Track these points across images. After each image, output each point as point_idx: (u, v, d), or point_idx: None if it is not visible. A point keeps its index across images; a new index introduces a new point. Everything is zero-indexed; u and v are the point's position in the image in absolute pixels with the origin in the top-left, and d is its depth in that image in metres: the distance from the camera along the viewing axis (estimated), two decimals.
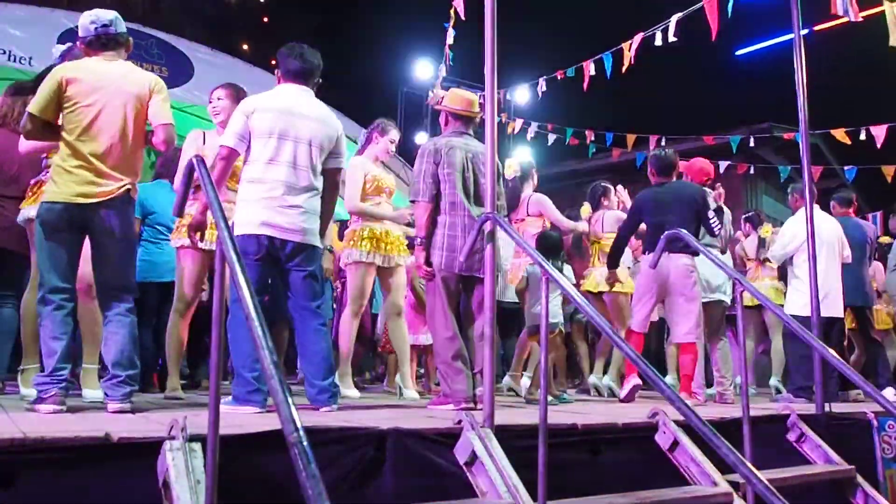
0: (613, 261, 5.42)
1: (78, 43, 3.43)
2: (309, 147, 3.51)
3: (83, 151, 3.16)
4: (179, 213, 2.48)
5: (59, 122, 3.21)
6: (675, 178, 5.21)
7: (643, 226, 5.20)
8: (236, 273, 1.61)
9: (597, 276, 5.96)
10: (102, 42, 3.33)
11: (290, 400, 1.32)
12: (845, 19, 5.08)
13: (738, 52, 9.51)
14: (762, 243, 6.93)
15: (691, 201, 4.98)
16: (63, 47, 3.96)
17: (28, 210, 3.85)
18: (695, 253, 4.74)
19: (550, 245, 4.93)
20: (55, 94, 3.15)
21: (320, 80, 3.72)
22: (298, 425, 1.27)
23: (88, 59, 3.32)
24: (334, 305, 6.44)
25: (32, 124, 3.16)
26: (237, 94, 4.31)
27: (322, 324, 3.52)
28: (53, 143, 3.31)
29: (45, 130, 3.22)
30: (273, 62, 3.98)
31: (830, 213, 6.29)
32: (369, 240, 4.79)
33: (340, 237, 5.82)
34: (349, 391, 4.71)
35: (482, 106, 3.69)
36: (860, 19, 5.00)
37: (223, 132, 3.72)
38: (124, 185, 3.21)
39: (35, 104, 3.15)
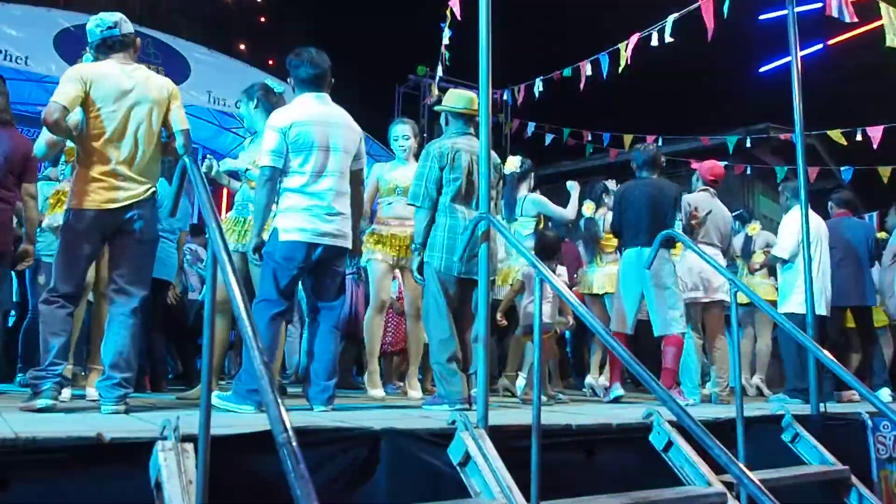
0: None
1: (87, 48, 3.45)
2: (343, 154, 3.62)
3: (110, 157, 3.18)
4: (173, 212, 2.48)
5: (81, 126, 3.20)
6: (656, 176, 5.17)
7: None
8: (227, 274, 1.61)
9: (597, 278, 5.95)
10: (109, 45, 3.33)
11: (279, 400, 1.32)
12: (858, 31, 5.10)
13: (762, 69, 9.58)
14: (749, 241, 6.94)
15: (662, 200, 4.95)
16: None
17: (56, 217, 3.93)
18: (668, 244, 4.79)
19: (548, 245, 4.93)
20: (82, 91, 3.14)
21: (333, 81, 3.74)
22: (288, 426, 1.27)
23: (105, 63, 3.30)
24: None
25: (62, 115, 3.09)
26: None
27: (336, 325, 3.61)
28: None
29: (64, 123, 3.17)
30: (270, 62, 3.99)
31: (828, 214, 6.31)
32: (388, 245, 4.88)
33: None
34: (376, 391, 4.72)
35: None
36: (856, 20, 5.00)
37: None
38: (150, 188, 3.25)
39: (65, 96, 3.10)
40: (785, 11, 4.60)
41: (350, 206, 3.67)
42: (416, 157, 4.79)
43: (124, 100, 3.22)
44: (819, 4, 5.28)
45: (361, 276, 5.83)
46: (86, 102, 3.16)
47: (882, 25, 4.96)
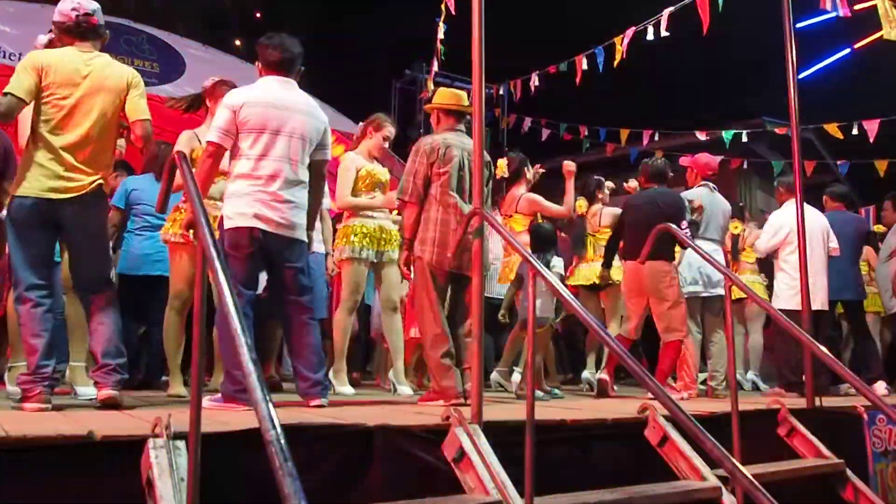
0: (607, 261, 5.53)
1: (53, 28, 3.33)
2: (300, 140, 3.50)
3: (56, 145, 3.09)
4: (162, 208, 2.46)
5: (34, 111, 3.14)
6: (662, 186, 5.26)
7: None
8: (217, 270, 1.60)
9: (590, 270, 5.95)
10: (82, 30, 3.25)
11: (267, 397, 1.31)
12: (880, 34, 5.10)
13: (802, 76, 9.60)
14: (735, 239, 6.96)
15: (665, 208, 5.00)
16: (46, 38, 3.91)
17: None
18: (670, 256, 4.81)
19: (544, 237, 4.92)
20: (37, 78, 3.07)
21: (302, 69, 3.67)
22: (276, 423, 1.26)
23: (65, 50, 3.23)
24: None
25: (14, 107, 3.03)
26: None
27: (311, 317, 3.52)
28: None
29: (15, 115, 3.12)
30: None
31: (822, 207, 6.31)
32: (361, 236, 4.79)
33: None
34: (343, 388, 4.71)
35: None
36: (849, 15, 5.00)
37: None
38: (96, 181, 3.16)
39: (18, 86, 3.03)
40: (818, 19, 4.63)
41: (308, 196, 3.57)
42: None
43: (78, 87, 3.13)
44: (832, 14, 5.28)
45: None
46: (38, 88, 3.09)
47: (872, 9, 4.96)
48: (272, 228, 3.37)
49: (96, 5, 3.31)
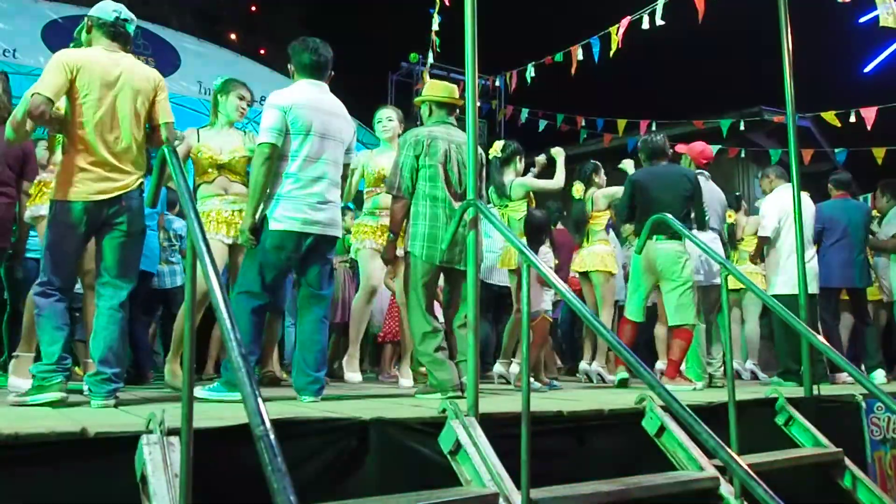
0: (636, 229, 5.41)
1: (88, 22, 3.31)
2: (340, 144, 3.61)
3: (97, 147, 3.11)
4: (153, 203, 2.45)
5: (65, 113, 3.14)
6: (665, 162, 5.19)
7: None
8: (206, 265, 1.59)
9: (584, 256, 5.94)
10: (115, 32, 3.26)
11: (256, 392, 1.30)
12: None
13: (866, 70, 9.53)
14: (731, 228, 6.94)
15: (682, 185, 4.96)
16: None
17: (37, 208, 3.90)
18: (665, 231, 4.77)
19: (536, 226, 4.89)
20: (67, 79, 3.06)
21: (332, 73, 3.73)
22: (265, 418, 1.25)
23: (92, 50, 3.23)
24: None
25: (47, 107, 3.00)
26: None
27: (325, 316, 3.59)
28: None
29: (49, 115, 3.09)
30: (262, 52, 3.95)
31: (828, 195, 6.31)
32: (370, 231, 4.89)
33: None
34: (353, 375, 4.76)
35: (462, 93, 3.66)
36: (847, 0, 4.97)
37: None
38: (138, 179, 3.21)
39: (48, 86, 3.01)
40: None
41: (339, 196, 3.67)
42: None
43: (111, 87, 3.15)
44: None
45: (354, 269, 5.82)
46: (71, 90, 3.09)
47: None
48: (319, 230, 3.47)
49: (134, 17, 3.34)
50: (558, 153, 5.57)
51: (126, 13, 3.31)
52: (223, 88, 4.46)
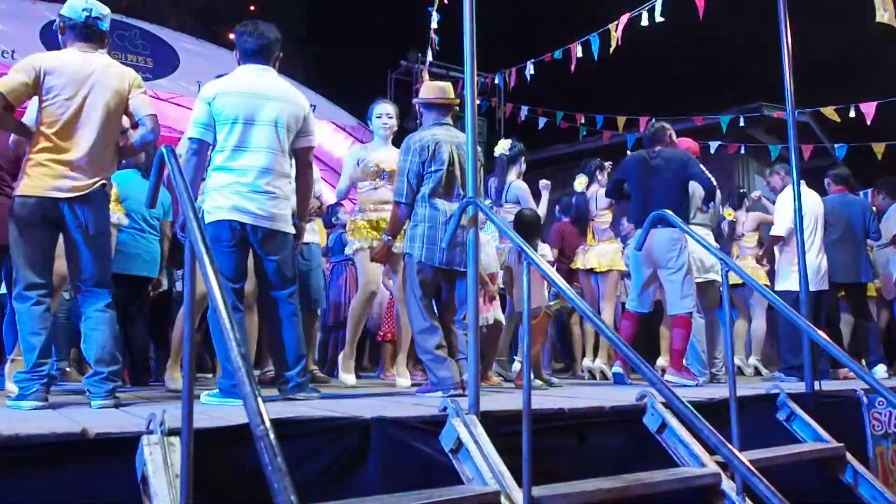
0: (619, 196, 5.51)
1: (60, 23, 3.30)
2: (275, 129, 3.41)
3: (60, 145, 3.09)
4: (152, 203, 2.44)
5: (33, 114, 3.15)
6: (659, 147, 5.14)
7: None
8: (205, 265, 1.58)
9: (593, 255, 5.95)
10: (87, 32, 3.24)
11: (256, 392, 1.30)
12: None
13: None
14: (732, 225, 6.93)
15: (677, 167, 4.92)
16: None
17: None
18: (685, 218, 4.75)
19: (528, 224, 4.87)
20: (30, 80, 3.06)
21: (281, 55, 3.61)
22: (265, 418, 1.25)
23: (67, 51, 3.23)
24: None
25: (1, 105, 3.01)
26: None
27: (293, 312, 3.46)
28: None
29: (5, 114, 3.09)
30: None
31: (826, 191, 6.30)
32: (366, 228, 4.77)
33: None
34: (348, 377, 4.69)
35: (461, 91, 3.65)
36: None
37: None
38: (99, 181, 3.16)
39: (6, 85, 3.02)
40: None
41: (294, 185, 3.52)
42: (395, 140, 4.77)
43: (82, 87, 3.13)
44: None
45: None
46: (38, 91, 3.09)
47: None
48: (251, 220, 3.32)
49: (107, 11, 3.30)
50: (546, 186, 5.79)
51: (98, 9, 3.26)
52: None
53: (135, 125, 3.30)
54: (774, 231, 5.78)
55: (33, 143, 3.14)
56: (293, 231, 3.52)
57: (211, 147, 3.42)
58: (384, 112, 4.99)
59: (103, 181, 3.19)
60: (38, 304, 3.04)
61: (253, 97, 3.39)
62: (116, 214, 4.01)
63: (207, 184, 3.41)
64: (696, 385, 4.67)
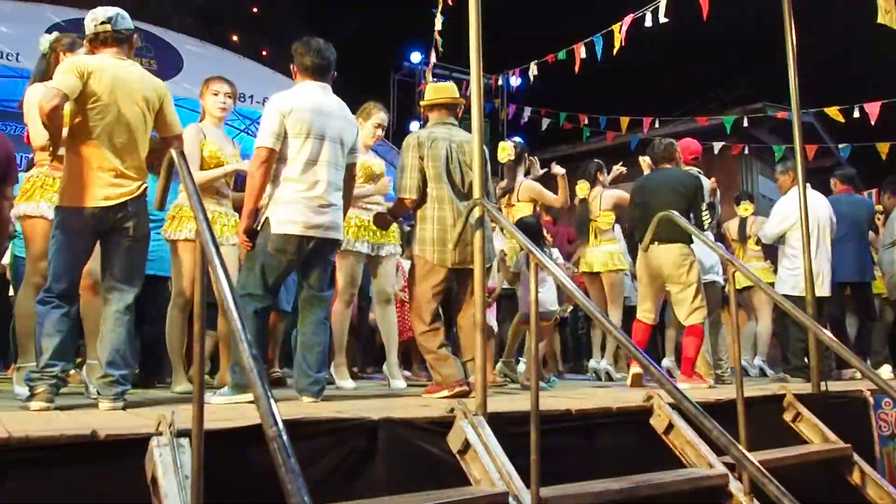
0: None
1: (85, 42, 3.36)
2: (340, 145, 3.58)
3: (104, 152, 3.12)
4: (161, 206, 2.45)
5: (75, 118, 3.14)
6: (669, 166, 5.17)
7: None
8: (216, 267, 1.59)
9: (593, 256, 5.94)
10: (102, 40, 3.27)
11: (269, 393, 1.30)
12: None
13: None
14: (743, 223, 6.92)
15: (680, 188, 4.93)
16: (50, 37, 3.85)
17: (24, 206, 3.82)
18: (689, 239, 4.72)
19: (529, 232, 4.88)
20: (80, 82, 3.06)
21: (335, 74, 3.71)
22: (278, 419, 1.25)
23: (102, 56, 3.25)
24: None
25: (62, 102, 2.97)
26: None
27: (327, 317, 3.59)
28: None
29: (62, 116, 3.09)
30: (264, 53, 3.94)
31: (829, 191, 6.29)
32: (356, 227, 4.71)
33: None
34: (344, 382, 4.68)
35: (466, 92, 3.66)
36: None
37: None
38: (142, 185, 3.22)
39: (65, 84, 2.99)
40: None
41: (342, 197, 3.65)
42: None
43: (119, 94, 3.16)
44: None
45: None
46: (82, 94, 3.09)
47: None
48: (320, 234, 3.46)
49: (114, 12, 3.31)
50: (559, 175, 5.59)
51: (103, 14, 3.27)
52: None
53: (164, 139, 3.35)
54: (761, 233, 5.81)
55: (73, 149, 3.13)
56: (343, 238, 3.72)
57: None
58: (381, 122, 4.93)
59: (146, 186, 3.24)
60: (58, 308, 3.04)
61: (322, 114, 3.51)
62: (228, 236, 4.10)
63: (275, 194, 3.46)
64: (710, 387, 4.67)
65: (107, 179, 3.10)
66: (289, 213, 3.41)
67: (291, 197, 3.43)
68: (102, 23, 3.27)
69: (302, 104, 3.48)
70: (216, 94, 4.49)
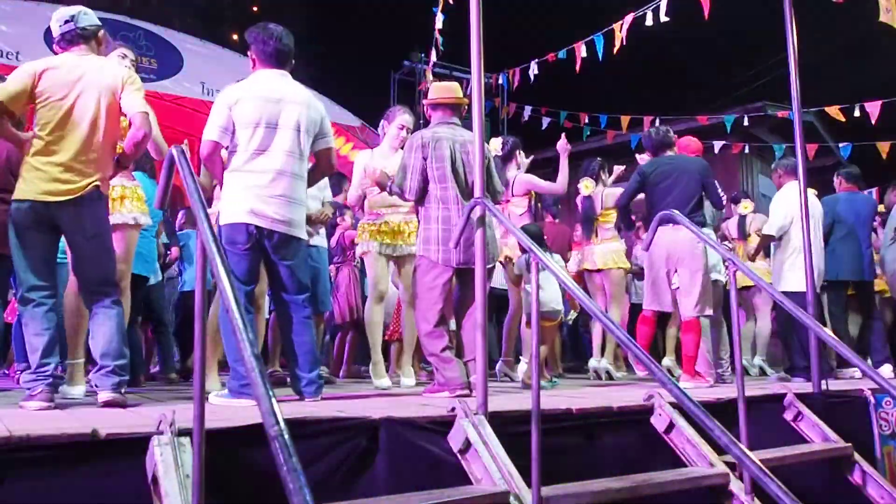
0: (626, 224, 5.55)
1: (55, 36, 3.36)
2: (296, 133, 3.45)
3: (52, 148, 3.11)
4: (161, 205, 2.44)
5: (30, 119, 3.18)
6: (670, 153, 5.16)
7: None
8: (217, 265, 1.58)
9: (595, 254, 5.94)
10: (68, 39, 3.29)
11: (270, 392, 1.30)
12: None
13: None
14: (742, 221, 6.92)
15: (695, 172, 4.91)
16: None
17: None
18: (701, 223, 4.69)
19: (531, 236, 4.86)
20: (27, 86, 3.10)
21: (293, 62, 3.63)
22: (279, 418, 1.25)
23: (61, 56, 3.28)
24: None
25: None
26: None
27: (307, 316, 3.49)
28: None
29: (4, 122, 3.13)
30: None
31: (832, 189, 6.29)
32: (381, 233, 4.75)
33: None
34: (381, 380, 4.61)
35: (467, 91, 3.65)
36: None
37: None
38: (93, 182, 3.15)
39: (4, 90, 3.07)
40: None
41: (304, 191, 3.53)
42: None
43: (73, 87, 3.15)
44: None
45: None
46: (33, 96, 3.12)
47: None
48: (267, 224, 3.33)
49: (76, 10, 3.31)
50: (563, 148, 5.45)
51: (66, 13, 3.28)
52: None
53: (130, 123, 3.29)
54: (766, 230, 5.78)
55: (27, 146, 3.16)
56: (307, 237, 3.56)
57: (227, 150, 3.44)
58: (405, 123, 4.92)
59: (98, 182, 3.17)
60: (40, 305, 3.05)
61: (274, 102, 3.41)
62: (136, 214, 3.98)
63: (224, 187, 3.42)
64: (710, 386, 4.66)
65: (52, 174, 3.08)
66: (234, 203, 3.34)
67: (238, 186, 3.35)
68: (66, 21, 3.29)
69: (250, 93, 3.40)
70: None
